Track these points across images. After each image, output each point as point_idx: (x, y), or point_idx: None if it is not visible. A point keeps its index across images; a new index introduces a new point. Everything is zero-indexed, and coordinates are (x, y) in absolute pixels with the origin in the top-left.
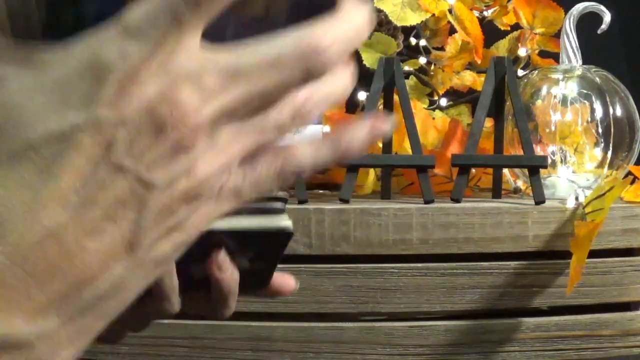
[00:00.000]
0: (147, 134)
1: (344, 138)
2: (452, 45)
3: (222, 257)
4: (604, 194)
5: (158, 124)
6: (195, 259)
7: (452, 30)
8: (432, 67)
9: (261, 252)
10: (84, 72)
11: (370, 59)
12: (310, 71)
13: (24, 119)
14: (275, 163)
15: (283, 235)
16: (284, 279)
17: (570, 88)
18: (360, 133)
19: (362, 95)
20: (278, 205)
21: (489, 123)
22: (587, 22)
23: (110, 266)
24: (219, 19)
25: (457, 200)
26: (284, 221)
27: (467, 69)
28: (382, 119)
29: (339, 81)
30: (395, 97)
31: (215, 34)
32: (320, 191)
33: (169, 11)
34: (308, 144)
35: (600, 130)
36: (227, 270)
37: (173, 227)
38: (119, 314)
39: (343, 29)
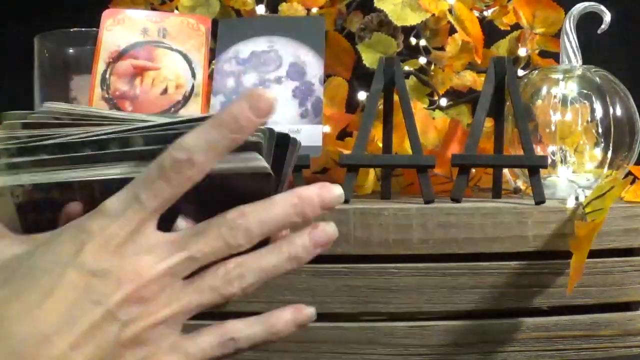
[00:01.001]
0: (116, 283)
1: (272, 318)
2: (452, 45)
3: None
4: (604, 194)
5: (123, 276)
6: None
7: (452, 30)
8: (432, 67)
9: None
10: (73, 236)
11: (370, 59)
12: (229, 243)
13: (29, 262)
14: (215, 334)
15: (260, 175)
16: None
17: (570, 88)
18: (285, 317)
19: (362, 95)
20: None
21: (489, 123)
22: (587, 22)
23: None
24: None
25: (457, 200)
26: (259, 162)
27: (467, 69)
28: (306, 309)
29: (268, 259)
30: (395, 97)
31: (167, 217)
32: None
33: (135, 201)
34: (244, 321)
35: (600, 130)
36: None
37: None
38: None
39: (261, 211)
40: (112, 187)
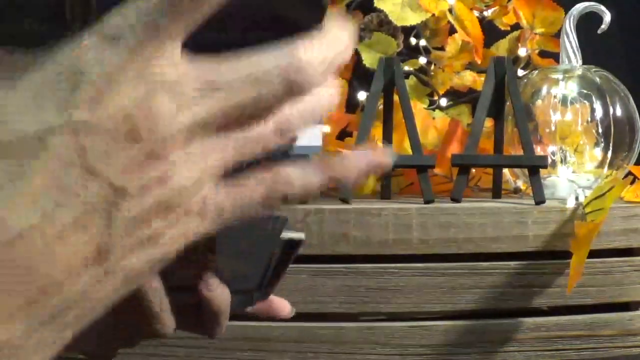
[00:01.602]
0: (120, 140)
1: (340, 166)
2: (452, 45)
3: (210, 276)
4: (604, 194)
5: (132, 131)
6: (184, 277)
7: (452, 30)
8: (432, 67)
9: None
10: (61, 77)
11: (370, 59)
12: (292, 88)
13: None
14: (262, 185)
15: (293, 244)
16: (281, 303)
17: (570, 88)
18: (359, 163)
19: (362, 95)
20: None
21: (489, 123)
22: (587, 22)
23: (78, 274)
24: (201, 30)
25: (457, 200)
26: (294, 233)
27: (467, 69)
28: (384, 152)
29: (322, 99)
30: (395, 97)
31: (197, 45)
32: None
33: (148, 19)
34: (300, 167)
35: (600, 130)
36: (215, 289)
37: (147, 239)
38: (109, 333)
39: (326, 48)
40: None
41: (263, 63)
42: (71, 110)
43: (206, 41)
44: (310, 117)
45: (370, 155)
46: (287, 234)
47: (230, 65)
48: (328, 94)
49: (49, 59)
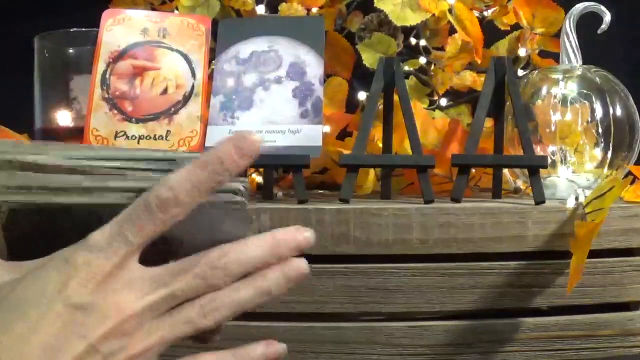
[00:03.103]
0: (101, 316)
1: (242, 354)
2: (452, 45)
3: None
4: (604, 194)
5: (107, 311)
6: None
7: (452, 30)
8: (432, 67)
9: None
10: (59, 268)
11: (370, 59)
12: (207, 281)
13: (16, 293)
14: None
15: (236, 211)
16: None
17: (570, 88)
18: (258, 351)
19: (362, 95)
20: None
21: (489, 123)
22: (587, 22)
23: None
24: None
25: (457, 200)
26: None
27: (467, 69)
28: (279, 346)
29: (242, 293)
30: (395, 97)
31: (147, 258)
32: (320, 191)
33: (120, 236)
34: (216, 354)
35: (600, 130)
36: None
37: None
38: None
39: (240, 253)
40: (93, 220)
41: (189, 263)
42: (66, 292)
43: (153, 254)
44: (237, 306)
45: (266, 350)
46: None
47: (168, 269)
48: (243, 294)
49: (53, 257)
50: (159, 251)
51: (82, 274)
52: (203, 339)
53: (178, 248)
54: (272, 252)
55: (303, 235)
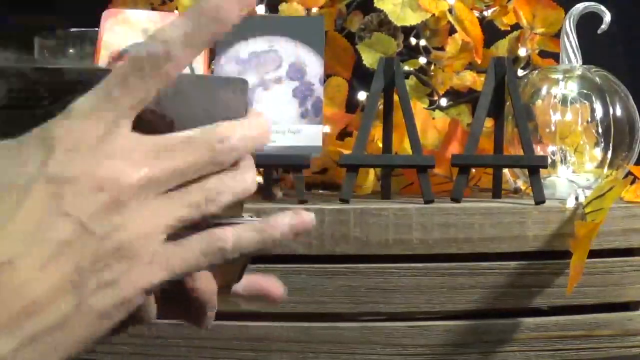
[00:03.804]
0: (89, 190)
1: (267, 226)
2: (452, 45)
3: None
4: (604, 194)
5: (98, 182)
6: None
7: (452, 30)
8: (432, 67)
9: None
10: (39, 142)
11: (370, 59)
12: (215, 156)
13: None
14: (201, 243)
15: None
16: (270, 283)
17: (570, 88)
18: (283, 225)
19: (362, 95)
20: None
21: (489, 123)
22: (587, 22)
23: (55, 300)
24: (146, 114)
25: (457, 200)
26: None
27: (467, 69)
28: (306, 215)
29: (243, 178)
30: (395, 97)
31: (143, 126)
32: (320, 191)
33: (107, 98)
34: (233, 227)
35: (600, 130)
36: (200, 278)
37: (109, 281)
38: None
39: (246, 128)
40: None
41: (193, 136)
42: (48, 167)
43: (150, 122)
44: (230, 192)
45: (294, 218)
46: (244, 220)
47: (170, 139)
48: (246, 176)
49: (33, 131)
50: (149, 131)
51: (65, 144)
52: (199, 323)
53: (171, 128)
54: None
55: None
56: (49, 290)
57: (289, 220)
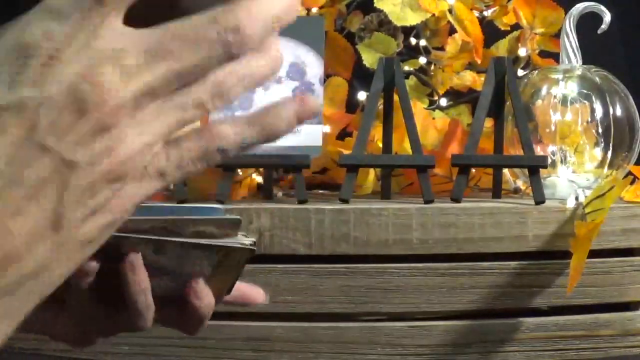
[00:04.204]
0: (69, 113)
1: (268, 117)
2: (452, 45)
3: (201, 286)
4: (604, 194)
5: (80, 103)
6: (170, 280)
7: (452, 30)
8: (432, 67)
9: (225, 267)
10: (9, 54)
11: (370, 59)
12: (229, 50)
13: None
14: (199, 143)
15: (245, 251)
16: (253, 291)
17: (570, 88)
18: (286, 112)
19: (362, 95)
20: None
21: (489, 123)
22: (587, 22)
23: (34, 246)
24: (143, 4)
25: (457, 200)
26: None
27: (467, 69)
28: (308, 99)
29: (262, 63)
30: (395, 97)
31: (138, 15)
32: (320, 191)
33: None
34: (231, 122)
35: (600, 130)
36: (205, 297)
37: (97, 207)
38: (89, 324)
39: (264, 10)
40: None
41: (200, 27)
42: (20, 87)
43: (147, 10)
44: (247, 82)
45: (295, 104)
46: (239, 240)
47: (169, 33)
48: (267, 59)
49: None
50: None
51: (42, 54)
52: (192, 333)
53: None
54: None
55: None
56: (25, 238)
57: (293, 107)
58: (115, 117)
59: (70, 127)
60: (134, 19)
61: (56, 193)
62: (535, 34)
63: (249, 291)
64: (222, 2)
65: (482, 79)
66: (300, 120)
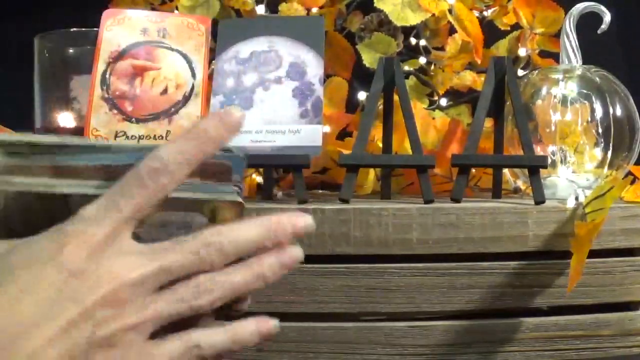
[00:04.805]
0: (91, 284)
1: (235, 329)
2: (452, 45)
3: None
4: (604, 194)
5: (99, 279)
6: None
7: (452, 30)
8: (432, 67)
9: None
10: (54, 237)
11: (370, 59)
12: (202, 259)
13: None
14: (178, 345)
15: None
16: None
17: (570, 88)
18: (251, 330)
19: (362, 95)
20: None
21: (489, 123)
22: (587, 22)
23: None
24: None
25: (457, 200)
26: (233, 195)
27: (467, 69)
28: (271, 321)
29: (237, 276)
30: (395, 97)
31: (141, 235)
32: (320, 191)
33: (111, 205)
34: (208, 331)
35: (600, 130)
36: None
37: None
38: None
39: (235, 234)
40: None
41: (183, 241)
42: (61, 256)
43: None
44: (222, 288)
45: (258, 325)
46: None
47: (161, 246)
48: (240, 276)
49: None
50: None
51: (75, 242)
52: (229, 315)
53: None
54: (268, 235)
55: (302, 221)
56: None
57: (255, 326)
58: (124, 292)
59: (91, 292)
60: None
61: (77, 335)
62: (535, 34)
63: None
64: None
65: (482, 79)
66: (261, 337)
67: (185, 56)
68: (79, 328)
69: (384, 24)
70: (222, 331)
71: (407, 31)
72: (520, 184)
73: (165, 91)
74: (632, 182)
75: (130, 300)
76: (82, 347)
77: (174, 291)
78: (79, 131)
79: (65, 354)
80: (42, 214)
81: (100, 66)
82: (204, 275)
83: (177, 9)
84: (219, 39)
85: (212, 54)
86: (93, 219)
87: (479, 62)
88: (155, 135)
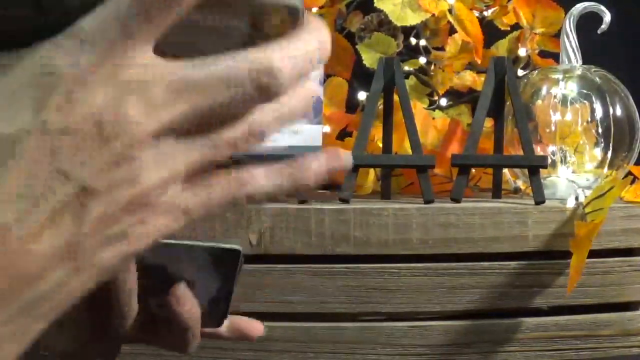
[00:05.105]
0: (91, 141)
1: (300, 168)
2: (452, 45)
3: (182, 291)
4: (604, 194)
5: (103, 133)
6: (155, 290)
7: (452, 30)
8: (432, 67)
9: (215, 275)
10: (36, 78)
11: (370, 59)
12: (262, 92)
13: None
14: (228, 186)
15: (233, 254)
16: (251, 324)
17: (570, 88)
18: (317, 165)
19: (362, 95)
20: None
21: (489, 123)
22: (587, 22)
23: (51, 269)
24: (174, 32)
25: (457, 200)
26: (234, 244)
27: (467, 69)
28: (341, 155)
29: (295, 103)
30: (395, 97)
31: (170, 47)
32: (320, 191)
33: (119, 23)
34: (263, 169)
35: (600, 130)
36: (186, 303)
37: (116, 237)
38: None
39: (299, 52)
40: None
41: (234, 67)
42: (44, 112)
43: (178, 43)
44: (280, 123)
45: (328, 159)
46: (222, 245)
47: (200, 69)
48: (300, 99)
49: (25, 59)
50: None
51: (67, 84)
52: (181, 349)
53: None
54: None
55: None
56: (42, 260)
57: (325, 162)
58: (137, 149)
59: (91, 155)
60: (168, 44)
61: (75, 219)
62: (535, 34)
63: (245, 324)
64: (252, 42)
65: (482, 79)
66: (331, 174)
67: None
68: (75, 210)
69: (384, 24)
70: (280, 174)
71: (407, 31)
72: (520, 184)
73: None
74: (632, 182)
75: (150, 154)
76: (86, 229)
77: (214, 135)
78: None
79: (61, 246)
80: None
81: None
82: (259, 111)
83: None
84: None
85: None
86: (92, 42)
87: (479, 62)
88: None
